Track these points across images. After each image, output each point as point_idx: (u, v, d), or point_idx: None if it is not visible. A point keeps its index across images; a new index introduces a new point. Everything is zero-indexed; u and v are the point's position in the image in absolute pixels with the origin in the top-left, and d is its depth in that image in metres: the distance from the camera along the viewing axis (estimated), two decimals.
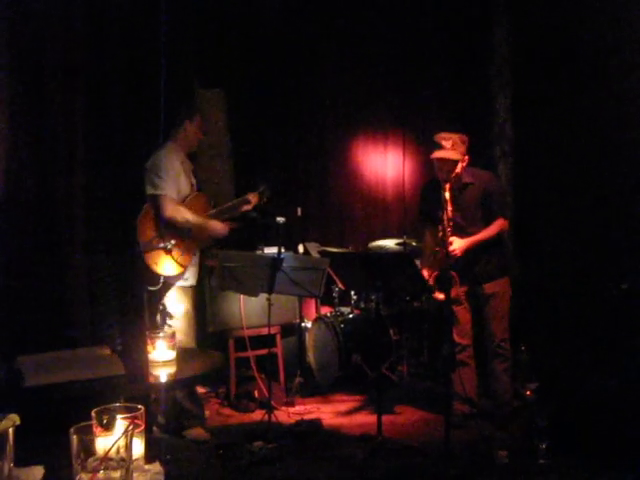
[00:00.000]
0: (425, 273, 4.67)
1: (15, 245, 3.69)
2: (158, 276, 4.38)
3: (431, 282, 4.58)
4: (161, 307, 4.49)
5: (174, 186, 4.45)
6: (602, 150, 5.51)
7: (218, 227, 4.61)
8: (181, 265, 4.46)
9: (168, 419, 4.53)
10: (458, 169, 4.62)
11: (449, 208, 4.40)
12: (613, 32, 5.45)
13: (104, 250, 4.86)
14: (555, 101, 5.96)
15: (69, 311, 4.16)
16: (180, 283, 4.53)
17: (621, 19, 5.38)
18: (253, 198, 4.87)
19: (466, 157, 4.67)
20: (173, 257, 4.40)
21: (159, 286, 4.42)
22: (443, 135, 4.65)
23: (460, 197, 4.69)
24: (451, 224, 4.42)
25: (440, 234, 4.47)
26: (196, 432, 4.53)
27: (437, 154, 4.61)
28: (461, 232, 4.63)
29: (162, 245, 4.30)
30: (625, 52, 5.40)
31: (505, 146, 6.58)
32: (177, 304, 4.53)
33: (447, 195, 4.42)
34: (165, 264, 4.39)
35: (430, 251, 4.81)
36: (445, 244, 4.43)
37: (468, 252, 4.58)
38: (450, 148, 4.60)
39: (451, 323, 4.84)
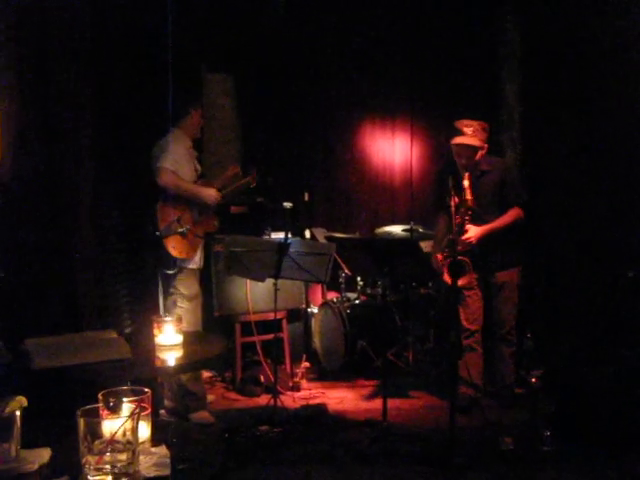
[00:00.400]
0: (439, 257, 4.70)
1: (22, 229, 3.69)
2: (174, 259, 4.53)
3: (444, 268, 4.58)
4: (172, 290, 4.60)
5: (174, 163, 4.56)
6: (612, 137, 5.49)
7: (211, 193, 4.70)
8: (193, 249, 4.62)
9: (175, 402, 4.57)
10: (477, 156, 4.68)
11: (468, 197, 4.43)
12: (623, 19, 5.41)
13: (113, 234, 4.87)
14: (564, 88, 5.93)
15: (76, 295, 4.17)
16: (191, 265, 4.64)
17: (631, 8, 5.34)
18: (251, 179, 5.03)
19: (486, 145, 4.73)
20: (188, 240, 4.55)
21: (176, 269, 4.57)
22: (465, 122, 4.71)
23: (477, 184, 4.71)
24: (469, 212, 4.45)
25: (458, 220, 4.49)
26: (201, 415, 4.57)
27: (457, 140, 4.67)
28: (476, 219, 4.65)
29: (180, 230, 4.47)
30: (633, 39, 5.37)
31: (514, 133, 6.55)
32: (190, 286, 4.65)
33: (466, 183, 4.47)
34: (182, 248, 4.54)
35: (444, 236, 4.82)
36: (461, 231, 4.45)
37: (483, 240, 4.59)
38: (471, 134, 4.67)
39: (458, 310, 4.87)
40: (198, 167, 4.87)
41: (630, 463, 3.77)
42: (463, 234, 4.54)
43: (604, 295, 4.94)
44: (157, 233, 4.48)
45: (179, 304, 4.58)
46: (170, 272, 4.57)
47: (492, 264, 4.79)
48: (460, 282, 4.41)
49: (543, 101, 6.21)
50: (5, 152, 3.47)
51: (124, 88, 4.90)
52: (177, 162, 4.58)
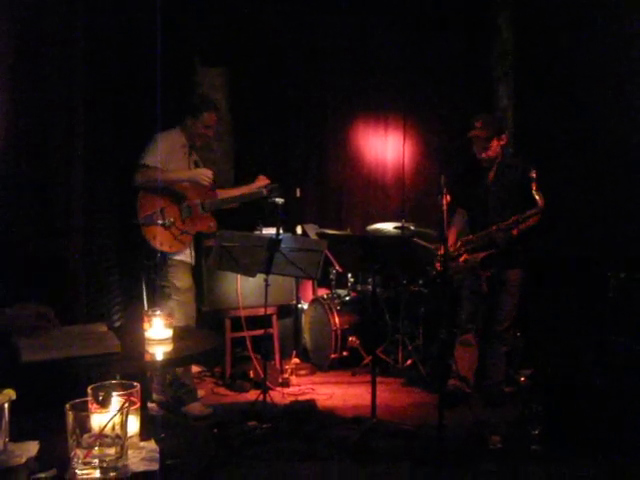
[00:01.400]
0: (451, 238, 4.92)
1: (11, 222, 3.67)
2: (155, 251, 4.48)
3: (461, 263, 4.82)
4: (165, 282, 4.56)
5: (155, 161, 4.49)
6: (605, 138, 5.51)
7: (202, 172, 4.66)
8: (181, 242, 4.57)
9: (165, 395, 4.56)
10: (494, 146, 4.85)
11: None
12: (617, 21, 5.43)
13: (103, 230, 4.86)
14: (557, 89, 5.94)
15: (66, 287, 4.15)
16: (181, 257, 4.62)
17: (625, 11, 5.36)
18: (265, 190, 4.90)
19: (503, 136, 4.90)
20: (173, 233, 4.50)
21: (158, 260, 4.51)
22: (476, 117, 4.89)
23: (500, 179, 4.91)
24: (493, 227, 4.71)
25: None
26: (197, 407, 4.59)
27: (469, 133, 4.84)
28: (494, 214, 4.81)
29: (160, 222, 4.41)
30: (627, 39, 5.39)
31: (507, 133, 6.56)
32: (182, 278, 4.63)
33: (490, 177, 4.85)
34: (164, 240, 4.49)
35: (458, 232, 5.04)
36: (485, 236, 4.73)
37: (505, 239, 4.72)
38: (480, 126, 4.83)
39: (450, 308, 4.90)
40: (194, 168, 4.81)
41: (618, 462, 3.78)
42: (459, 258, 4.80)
43: (595, 296, 4.97)
44: (134, 221, 4.44)
45: (173, 296, 4.55)
46: (147, 263, 4.54)
47: (503, 261, 4.85)
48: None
49: (536, 102, 6.23)
50: None
51: (116, 86, 4.88)
52: (163, 160, 4.51)
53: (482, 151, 4.86)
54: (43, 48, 3.92)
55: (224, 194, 4.94)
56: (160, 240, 4.47)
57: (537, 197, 4.59)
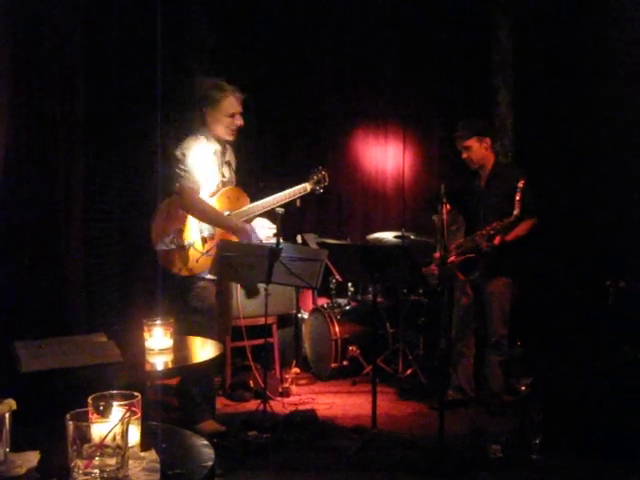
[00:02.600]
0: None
1: (12, 232, 3.68)
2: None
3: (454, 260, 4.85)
4: (187, 302, 4.36)
5: (195, 179, 4.28)
6: (604, 145, 5.52)
7: (244, 229, 4.38)
8: (203, 265, 4.33)
9: (182, 413, 4.45)
10: (475, 148, 4.94)
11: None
12: (615, 28, 5.45)
13: (103, 237, 4.85)
14: (556, 96, 5.96)
15: (66, 298, 4.15)
16: (207, 276, 4.38)
17: (622, 15, 5.38)
18: (309, 187, 4.66)
19: (486, 139, 4.97)
20: (192, 256, 4.31)
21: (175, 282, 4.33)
22: (462, 122, 5.05)
23: (488, 186, 4.99)
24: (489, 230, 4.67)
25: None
26: (209, 425, 4.36)
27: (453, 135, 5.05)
28: (483, 220, 4.85)
29: (174, 246, 4.25)
30: (625, 47, 5.40)
31: (506, 141, 6.58)
32: (204, 299, 4.40)
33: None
34: (182, 264, 4.30)
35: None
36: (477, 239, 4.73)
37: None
38: (460, 128, 5.01)
39: (450, 317, 4.90)
40: (226, 174, 4.53)
41: (619, 471, 3.78)
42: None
43: (594, 304, 4.97)
44: (157, 247, 4.27)
45: (193, 318, 4.29)
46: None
47: (489, 270, 4.86)
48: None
49: (535, 109, 6.24)
50: None
51: (116, 89, 4.89)
52: (199, 174, 4.28)
53: (464, 151, 4.98)
54: (43, 63, 3.94)
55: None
56: (178, 266, 4.28)
57: (516, 206, 4.54)
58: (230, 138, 4.48)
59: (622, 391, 4.05)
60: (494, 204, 4.88)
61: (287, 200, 4.54)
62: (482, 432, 4.36)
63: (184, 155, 4.28)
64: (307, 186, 4.63)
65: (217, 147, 4.45)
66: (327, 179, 4.65)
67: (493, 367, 4.95)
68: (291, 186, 4.57)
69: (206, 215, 4.32)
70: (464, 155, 5.01)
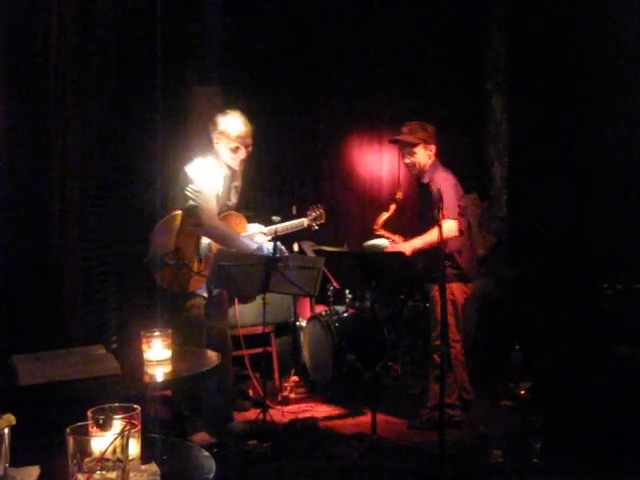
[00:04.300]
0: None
1: (6, 242, 3.67)
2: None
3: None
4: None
5: (211, 198, 4.28)
6: (598, 149, 5.53)
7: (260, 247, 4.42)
8: (195, 283, 4.34)
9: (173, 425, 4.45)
10: (420, 154, 4.76)
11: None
12: (608, 32, 5.47)
13: (101, 248, 4.84)
14: (549, 101, 5.98)
15: (64, 310, 4.14)
16: (201, 292, 4.40)
17: (615, 19, 5.40)
18: (306, 223, 4.83)
19: (432, 146, 4.78)
20: (186, 275, 4.29)
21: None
22: (405, 123, 4.85)
23: (422, 194, 4.87)
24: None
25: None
26: (200, 437, 4.33)
27: (394, 138, 4.89)
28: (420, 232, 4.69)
29: (172, 262, 4.20)
30: (618, 52, 5.42)
31: (500, 146, 6.60)
32: (191, 314, 4.39)
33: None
34: (173, 281, 4.28)
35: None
36: None
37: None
38: (407, 133, 4.80)
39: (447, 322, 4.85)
40: (233, 199, 4.56)
41: (619, 474, 3.78)
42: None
43: (592, 307, 4.97)
44: (145, 260, 4.24)
45: (181, 333, 4.04)
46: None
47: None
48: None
49: (529, 114, 6.26)
50: None
51: (112, 97, 4.88)
52: (212, 196, 4.28)
53: (407, 156, 4.80)
54: (37, 73, 3.93)
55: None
56: (171, 282, 4.25)
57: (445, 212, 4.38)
58: (235, 167, 4.48)
59: (621, 394, 4.05)
60: (428, 210, 4.68)
61: (283, 233, 4.62)
62: (483, 437, 4.35)
63: (195, 174, 4.26)
64: (304, 222, 4.82)
65: (227, 172, 4.44)
66: (324, 217, 4.88)
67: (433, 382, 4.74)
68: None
69: (226, 238, 4.33)
70: (407, 160, 4.83)
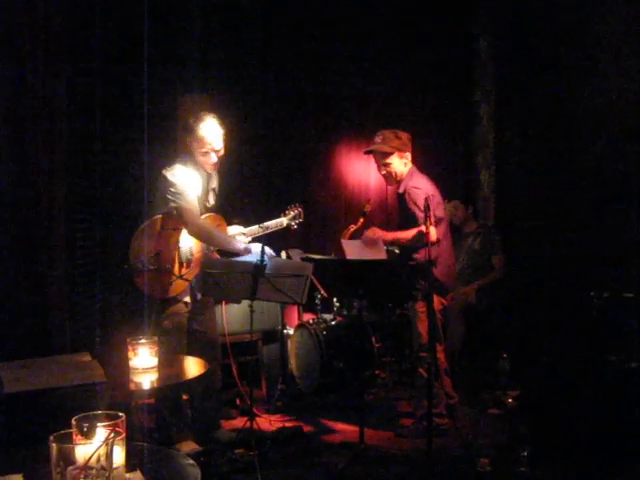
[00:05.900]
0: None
1: None
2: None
3: None
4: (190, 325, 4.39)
5: (193, 199, 4.28)
6: (586, 157, 5.56)
7: (246, 249, 4.38)
8: (177, 287, 4.31)
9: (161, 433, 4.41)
10: (395, 163, 4.74)
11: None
12: (596, 39, 5.50)
13: (85, 254, 4.82)
14: (538, 109, 6.01)
15: (48, 317, 4.11)
16: (183, 297, 4.39)
17: (601, 28, 5.44)
18: (285, 222, 4.85)
19: (405, 154, 4.76)
20: (168, 280, 4.26)
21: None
22: (378, 132, 4.80)
23: (399, 201, 4.85)
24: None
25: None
26: (187, 445, 4.33)
27: (369, 148, 4.84)
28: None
29: (152, 267, 4.17)
30: (604, 61, 5.46)
31: (488, 154, 6.62)
32: (173, 320, 4.36)
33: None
34: (156, 286, 4.24)
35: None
36: None
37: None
38: (380, 142, 4.76)
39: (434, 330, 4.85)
40: (211, 201, 4.55)
41: None
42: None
43: (580, 315, 4.98)
44: (125, 266, 4.20)
45: (162, 339, 4.24)
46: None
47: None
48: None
49: (516, 123, 6.29)
50: None
51: (99, 103, 4.86)
52: (192, 197, 4.28)
53: (382, 167, 4.78)
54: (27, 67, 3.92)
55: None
56: (150, 287, 4.20)
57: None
58: (209, 170, 4.47)
59: (609, 402, 4.06)
60: (405, 218, 4.80)
61: (263, 233, 4.65)
62: (470, 446, 4.34)
63: (175, 177, 4.25)
64: (284, 221, 4.81)
65: (203, 174, 4.43)
66: (302, 215, 4.91)
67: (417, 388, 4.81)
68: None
69: (212, 237, 4.33)
70: (383, 172, 4.81)
